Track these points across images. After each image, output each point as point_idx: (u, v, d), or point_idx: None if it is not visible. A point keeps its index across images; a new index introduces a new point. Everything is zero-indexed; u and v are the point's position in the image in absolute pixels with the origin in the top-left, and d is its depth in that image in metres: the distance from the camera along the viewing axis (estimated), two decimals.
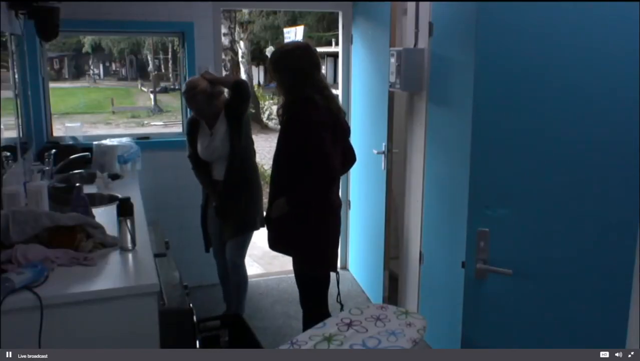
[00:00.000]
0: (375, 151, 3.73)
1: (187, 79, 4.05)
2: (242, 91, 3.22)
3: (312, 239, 2.76)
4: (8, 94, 3.00)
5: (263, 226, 3.24)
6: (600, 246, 1.88)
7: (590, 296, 1.92)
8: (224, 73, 9.25)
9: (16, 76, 3.20)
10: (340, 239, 2.96)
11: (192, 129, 3.45)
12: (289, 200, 2.67)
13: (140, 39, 19.84)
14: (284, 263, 4.67)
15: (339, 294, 2.90)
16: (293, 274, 3.58)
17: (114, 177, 3.51)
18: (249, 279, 4.43)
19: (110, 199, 3.02)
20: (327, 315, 2.80)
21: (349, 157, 2.89)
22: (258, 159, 11.08)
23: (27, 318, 1.77)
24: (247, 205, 3.36)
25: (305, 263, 2.81)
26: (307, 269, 2.83)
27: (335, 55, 10.38)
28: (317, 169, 2.55)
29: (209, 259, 3.85)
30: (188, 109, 4.10)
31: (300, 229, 2.74)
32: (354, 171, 4.41)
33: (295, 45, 2.83)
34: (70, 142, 3.98)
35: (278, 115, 2.75)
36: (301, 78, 2.63)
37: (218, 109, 3.33)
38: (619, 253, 1.83)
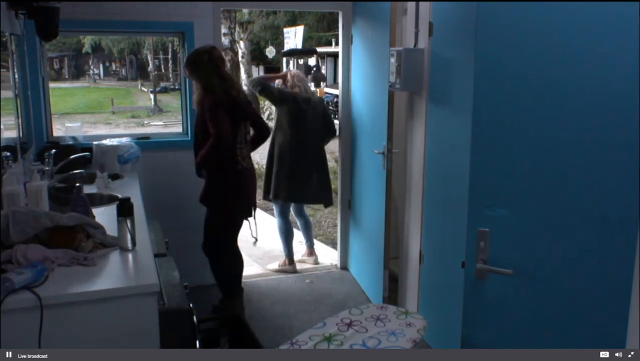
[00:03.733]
0: (375, 151, 3.73)
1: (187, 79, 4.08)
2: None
3: (217, 194, 3.50)
4: (8, 94, 3.00)
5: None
6: (600, 246, 1.88)
7: (590, 296, 1.92)
8: None
9: (16, 76, 3.19)
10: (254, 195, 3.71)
11: None
12: (196, 163, 3.53)
13: (140, 39, 19.84)
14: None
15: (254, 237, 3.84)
16: (292, 274, 4.36)
17: (114, 177, 3.51)
18: (249, 280, 4.46)
19: (110, 199, 3.01)
20: (231, 255, 3.70)
21: (260, 131, 3.76)
22: (258, 158, 11.02)
23: (27, 318, 1.77)
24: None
25: (212, 213, 3.60)
26: (214, 218, 3.59)
27: (335, 55, 10.37)
28: (212, 139, 3.32)
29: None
30: (189, 109, 4.13)
31: (209, 186, 3.52)
32: (354, 171, 4.42)
33: (202, 49, 3.50)
34: (70, 142, 3.98)
35: (195, 103, 3.54)
36: (210, 72, 3.39)
37: None
38: (619, 253, 1.82)
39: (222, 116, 3.35)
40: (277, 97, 4.35)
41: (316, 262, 4.80)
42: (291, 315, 3.87)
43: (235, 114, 3.43)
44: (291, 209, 4.68)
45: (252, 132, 3.70)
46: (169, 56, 21.42)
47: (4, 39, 2.88)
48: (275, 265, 4.65)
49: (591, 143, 1.84)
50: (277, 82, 4.52)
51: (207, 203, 3.57)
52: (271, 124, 4.61)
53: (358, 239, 4.41)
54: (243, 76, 12.64)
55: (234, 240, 3.72)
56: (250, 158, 3.62)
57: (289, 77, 4.42)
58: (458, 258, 2.52)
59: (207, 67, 3.40)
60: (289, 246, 4.61)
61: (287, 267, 4.59)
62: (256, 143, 3.81)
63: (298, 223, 4.71)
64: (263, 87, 4.32)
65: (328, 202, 4.64)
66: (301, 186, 4.42)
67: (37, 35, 3.27)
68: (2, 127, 2.67)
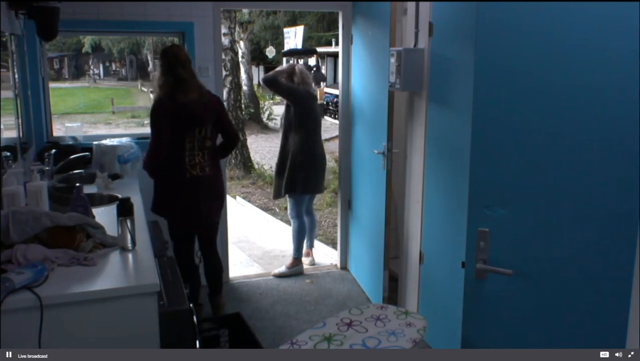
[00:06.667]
0: (375, 151, 3.73)
1: None
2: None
3: (163, 203, 3.44)
4: (8, 94, 3.00)
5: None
6: (600, 245, 1.88)
7: (590, 296, 1.92)
8: (224, 73, 9.25)
9: (16, 76, 3.20)
10: (199, 205, 3.43)
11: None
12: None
13: (140, 39, 19.83)
14: (284, 263, 4.67)
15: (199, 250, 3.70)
16: (292, 275, 4.55)
17: (114, 177, 3.50)
18: (249, 280, 4.46)
19: (110, 199, 3.01)
20: (188, 263, 3.55)
21: (227, 139, 3.53)
22: (258, 159, 11.01)
23: (27, 318, 1.77)
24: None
25: (169, 222, 3.53)
26: (170, 226, 3.53)
27: (335, 55, 10.38)
28: (148, 146, 3.38)
29: None
30: None
31: (155, 194, 3.46)
32: (354, 171, 4.42)
33: (169, 46, 3.39)
34: (70, 142, 3.98)
35: None
36: (164, 72, 3.27)
37: None
38: (619, 253, 1.83)
39: (160, 121, 3.25)
40: (291, 94, 4.32)
41: (312, 263, 4.79)
42: (291, 315, 3.87)
43: (181, 120, 3.25)
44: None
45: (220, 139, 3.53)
46: None
47: (4, 39, 2.88)
48: (283, 269, 4.57)
49: (591, 143, 1.85)
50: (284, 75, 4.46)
51: (156, 211, 3.46)
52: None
53: (358, 239, 4.41)
54: (243, 75, 12.62)
55: (186, 251, 3.57)
56: (208, 167, 3.38)
57: (297, 71, 4.41)
58: (458, 258, 2.52)
59: (165, 65, 3.26)
60: (301, 246, 4.61)
61: (295, 269, 4.55)
62: (224, 151, 3.59)
63: (305, 222, 4.71)
64: (272, 83, 4.31)
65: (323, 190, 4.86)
66: (315, 178, 4.45)
67: (37, 35, 3.27)
68: (2, 127, 2.67)
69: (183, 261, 3.47)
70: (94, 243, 2.21)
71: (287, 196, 4.54)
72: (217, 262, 3.70)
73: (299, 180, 4.37)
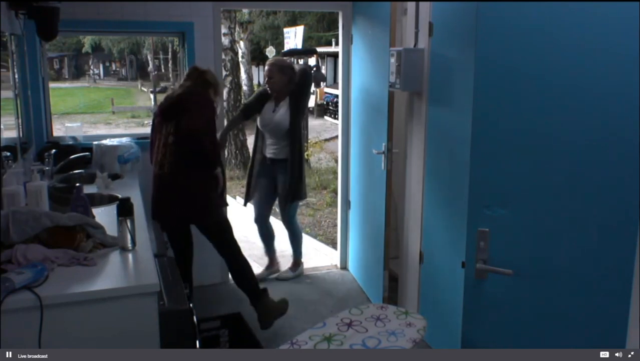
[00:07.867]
0: (375, 151, 3.73)
1: None
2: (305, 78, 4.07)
3: None
4: (8, 94, 3.00)
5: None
6: (600, 245, 1.88)
7: (590, 296, 1.92)
8: (223, 73, 9.25)
9: (16, 76, 3.20)
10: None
11: (263, 97, 4.25)
12: None
13: (140, 39, 19.86)
14: (284, 263, 4.67)
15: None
16: (297, 276, 4.56)
17: (114, 177, 3.51)
18: None
19: (110, 199, 3.01)
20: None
21: (182, 135, 3.25)
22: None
23: (27, 318, 1.77)
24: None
25: None
26: None
27: (335, 55, 10.38)
28: None
29: (209, 259, 3.86)
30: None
31: None
32: (354, 171, 4.42)
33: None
34: (70, 142, 3.98)
35: None
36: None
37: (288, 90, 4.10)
38: (619, 253, 1.83)
39: (154, 125, 3.49)
40: (307, 95, 4.28)
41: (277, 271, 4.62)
42: (291, 315, 3.87)
43: (161, 115, 3.37)
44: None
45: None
46: (169, 56, 21.43)
47: (4, 39, 2.88)
48: (288, 273, 4.50)
49: (591, 143, 1.85)
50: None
51: None
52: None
53: (358, 239, 4.41)
54: (243, 75, 12.62)
55: (172, 246, 3.50)
56: (168, 165, 3.27)
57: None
58: (458, 258, 2.53)
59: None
60: (300, 247, 4.58)
61: (299, 270, 4.53)
62: (190, 153, 3.26)
63: (270, 227, 4.60)
64: (309, 77, 4.16)
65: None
66: (304, 183, 4.40)
67: (37, 35, 3.27)
68: (2, 127, 2.67)
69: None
70: (94, 243, 2.21)
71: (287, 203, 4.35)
72: (231, 265, 3.65)
73: (298, 186, 4.29)
